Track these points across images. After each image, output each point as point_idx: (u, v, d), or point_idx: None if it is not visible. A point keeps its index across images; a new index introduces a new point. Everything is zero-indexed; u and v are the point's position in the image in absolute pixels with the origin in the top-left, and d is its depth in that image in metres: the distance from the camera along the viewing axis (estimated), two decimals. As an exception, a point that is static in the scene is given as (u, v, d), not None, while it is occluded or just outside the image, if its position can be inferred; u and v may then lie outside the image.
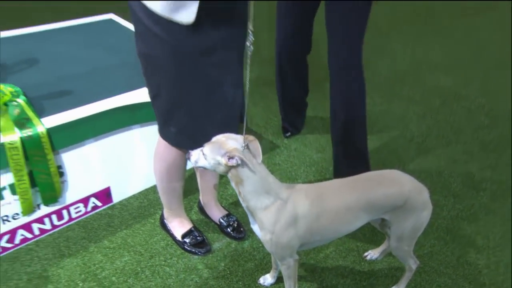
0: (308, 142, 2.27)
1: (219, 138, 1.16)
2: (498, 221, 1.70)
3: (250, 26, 1.03)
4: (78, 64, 1.93)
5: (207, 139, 1.22)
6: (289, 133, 2.38)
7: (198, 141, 1.28)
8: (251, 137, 1.14)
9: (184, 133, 1.40)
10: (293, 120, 2.39)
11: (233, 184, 1.18)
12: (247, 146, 1.12)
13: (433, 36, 3.54)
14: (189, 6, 1.10)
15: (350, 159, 1.97)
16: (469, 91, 2.71)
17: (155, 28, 1.16)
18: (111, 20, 2.32)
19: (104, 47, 2.01)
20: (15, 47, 2.07)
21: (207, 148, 1.15)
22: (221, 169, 1.14)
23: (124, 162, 1.81)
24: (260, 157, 1.14)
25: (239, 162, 1.08)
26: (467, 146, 2.18)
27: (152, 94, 1.36)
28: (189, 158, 1.20)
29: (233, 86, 1.39)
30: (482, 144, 2.20)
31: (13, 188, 1.47)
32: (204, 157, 1.16)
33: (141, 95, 1.64)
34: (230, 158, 1.08)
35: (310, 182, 1.84)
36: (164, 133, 1.42)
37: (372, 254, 1.53)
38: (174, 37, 1.17)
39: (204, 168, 1.20)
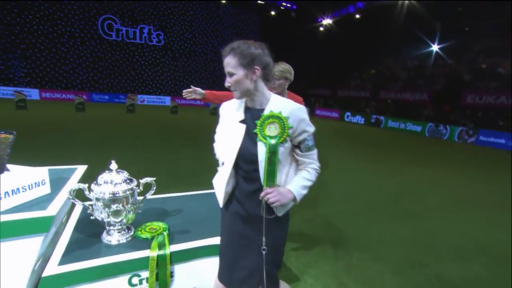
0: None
1: None
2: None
3: None
4: (199, 215, 2.27)
5: (234, 283, 1.54)
6: None
7: (229, 283, 1.64)
8: None
9: (221, 273, 1.70)
10: None
11: None
12: None
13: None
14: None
15: None
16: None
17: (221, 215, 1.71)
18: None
19: (210, 207, 2.44)
20: (171, 202, 2.49)
21: None
22: None
23: (206, 275, 1.98)
24: None
25: None
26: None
27: None
28: None
29: (257, 256, 1.56)
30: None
31: (147, 279, 1.74)
32: None
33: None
34: None
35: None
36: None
37: None
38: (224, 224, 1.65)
39: None
